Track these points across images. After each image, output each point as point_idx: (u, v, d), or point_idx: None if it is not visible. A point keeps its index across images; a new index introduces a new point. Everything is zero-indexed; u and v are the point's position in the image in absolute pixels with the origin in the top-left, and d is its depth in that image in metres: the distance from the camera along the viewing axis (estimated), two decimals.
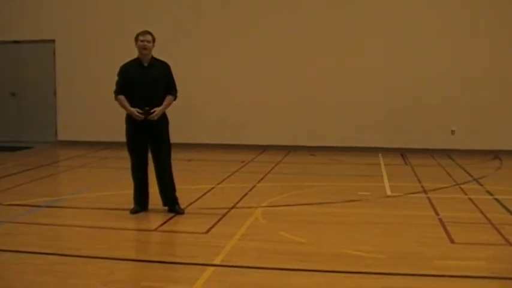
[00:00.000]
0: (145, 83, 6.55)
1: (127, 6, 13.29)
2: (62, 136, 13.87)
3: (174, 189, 6.80)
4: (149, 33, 6.64)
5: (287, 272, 4.75)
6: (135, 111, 6.49)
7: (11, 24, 13.80)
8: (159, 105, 6.59)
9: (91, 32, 13.42)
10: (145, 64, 6.63)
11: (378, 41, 12.26)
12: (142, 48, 6.58)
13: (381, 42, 12.25)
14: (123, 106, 6.63)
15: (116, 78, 6.72)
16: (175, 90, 6.75)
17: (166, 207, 6.81)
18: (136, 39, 6.62)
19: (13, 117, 14.16)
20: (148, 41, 6.57)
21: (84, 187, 8.45)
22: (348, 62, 12.39)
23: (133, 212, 6.74)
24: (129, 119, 6.69)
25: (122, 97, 6.63)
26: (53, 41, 13.69)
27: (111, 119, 13.31)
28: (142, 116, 6.47)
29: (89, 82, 13.46)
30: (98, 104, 13.45)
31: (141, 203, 6.82)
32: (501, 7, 11.83)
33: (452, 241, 5.62)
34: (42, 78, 13.94)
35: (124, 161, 11.36)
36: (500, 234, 5.85)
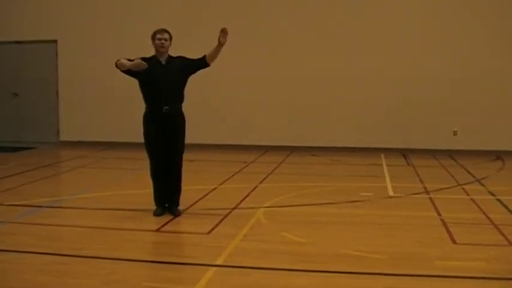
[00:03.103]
0: (164, 81, 6.46)
1: (128, 6, 13.31)
2: (63, 136, 13.89)
3: (179, 191, 6.76)
4: (166, 31, 6.56)
5: (289, 272, 4.74)
6: (137, 62, 6.18)
7: (13, 24, 13.84)
8: (177, 105, 6.58)
9: (93, 33, 13.44)
10: (164, 62, 6.55)
11: (380, 42, 12.25)
12: (160, 47, 6.50)
13: (383, 42, 12.24)
14: (123, 64, 6.20)
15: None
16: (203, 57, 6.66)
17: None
18: (153, 37, 6.54)
19: (15, 117, 14.18)
20: (165, 39, 6.50)
21: (85, 187, 8.45)
22: (350, 63, 12.38)
23: (158, 214, 6.63)
24: (148, 118, 6.61)
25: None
26: (55, 41, 13.72)
27: (113, 119, 13.40)
28: (145, 63, 6.18)
29: (91, 83, 13.48)
30: (100, 105, 13.50)
31: (163, 204, 6.74)
32: (503, 7, 11.80)
33: (454, 242, 5.61)
34: (44, 78, 13.95)
35: (125, 162, 11.49)
36: (502, 234, 5.83)
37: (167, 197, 6.73)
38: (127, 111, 12.64)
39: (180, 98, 6.66)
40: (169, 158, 6.63)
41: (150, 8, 13.07)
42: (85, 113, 13.66)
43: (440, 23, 12.07)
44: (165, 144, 6.58)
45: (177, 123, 6.60)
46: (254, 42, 12.68)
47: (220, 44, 6.48)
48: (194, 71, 6.71)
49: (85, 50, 13.51)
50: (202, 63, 6.67)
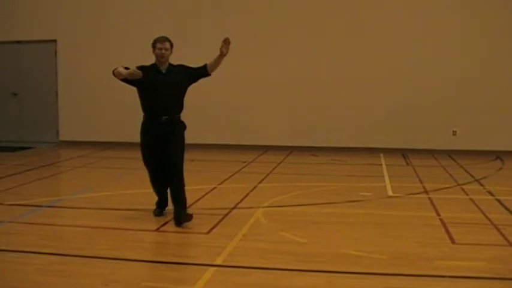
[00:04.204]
0: (164, 90, 6.27)
1: (128, 6, 13.30)
2: (63, 136, 13.89)
3: (185, 204, 6.36)
4: (167, 40, 6.37)
5: (288, 272, 4.75)
6: (132, 70, 6.02)
7: (13, 24, 13.84)
8: (176, 114, 6.43)
9: (93, 32, 13.45)
10: (164, 71, 6.39)
11: (380, 42, 12.25)
12: (160, 57, 6.33)
13: (382, 42, 12.24)
14: (119, 73, 6.03)
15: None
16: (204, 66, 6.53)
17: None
18: (153, 46, 6.35)
19: (14, 117, 14.18)
20: (166, 49, 6.32)
21: (85, 187, 8.46)
22: (349, 63, 12.39)
23: (158, 214, 6.66)
24: (145, 129, 6.48)
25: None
26: (55, 41, 13.72)
27: (112, 119, 13.41)
28: (140, 72, 6.01)
29: (91, 82, 13.48)
30: (99, 104, 13.51)
31: (164, 206, 6.73)
32: (503, 7, 11.81)
33: (453, 242, 5.62)
34: (43, 78, 13.95)
35: (125, 161, 11.49)
36: (502, 234, 5.85)
37: (173, 201, 6.42)
38: (127, 111, 12.61)
39: (180, 108, 6.50)
40: (168, 167, 6.37)
41: (150, 8, 13.07)
42: (84, 113, 13.67)
43: (440, 23, 12.06)
44: (163, 154, 6.37)
45: (175, 132, 6.41)
46: (254, 42, 12.67)
47: (222, 55, 6.38)
48: (195, 80, 6.57)
49: (84, 50, 13.52)
50: (203, 72, 6.54)
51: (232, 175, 9.50)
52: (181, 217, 6.20)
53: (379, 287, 4.43)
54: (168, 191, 6.62)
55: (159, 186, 6.68)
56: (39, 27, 13.70)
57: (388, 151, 12.14)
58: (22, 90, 14.15)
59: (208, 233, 5.93)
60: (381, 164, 10.76)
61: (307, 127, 12.71)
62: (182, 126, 6.54)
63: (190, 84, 6.57)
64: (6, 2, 13.84)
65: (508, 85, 11.86)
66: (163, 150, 6.38)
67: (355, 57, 12.35)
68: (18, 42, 14.01)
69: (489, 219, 6.45)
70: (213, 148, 12.74)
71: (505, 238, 5.72)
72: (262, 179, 9.09)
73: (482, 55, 11.87)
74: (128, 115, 12.51)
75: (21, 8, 13.75)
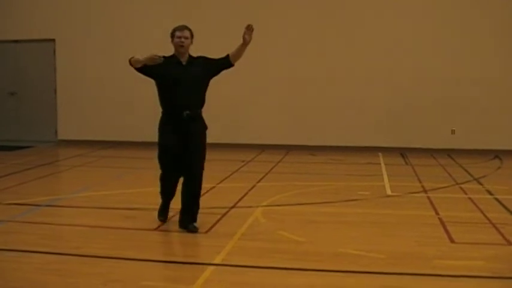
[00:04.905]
0: (185, 82, 5.81)
1: (128, 6, 13.29)
2: (62, 135, 13.87)
3: (198, 206, 6.05)
4: (187, 28, 5.93)
5: (287, 271, 4.75)
6: (152, 54, 5.59)
7: (11, 23, 13.82)
8: (198, 109, 5.96)
9: (91, 31, 13.42)
10: (184, 63, 5.93)
11: (378, 41, 12.26)
12: (179, 46, 5.87)
13: (381, 42, 12.24)
14: (137, 60, 5.66)
15: None
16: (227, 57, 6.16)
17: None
18: (172, 35, 5.91)
19: (13, 116, 14.16)
20: (186, 37, 5.87)
21: (84, 186, 8.45)
22: (348, 62, 12.39)
23: (162, 221, 6.30)
24: (164, 125, 5.96)
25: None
26: (53, 40, 13.70)
27: (111, 118, 13.37)
28: (161, 57, 5.61)
29: (89, 81, 13.46)
30: (98, 103, 13.47)
31: (165, 215, 6.35)
32: (503, 7, 11.81)
33: (452, 241, 5.62)
34: (42, 77, 13.94)
35: (123, 161, 11.49)
36: (500, 234, 5.85)
37: (184, 211, 6.09)
38: (125, 110, 12.61)
39: (201, 102, 6.03)
40: (186, 169, 5.96)
41: (149, 7, 13.05)
42: (83, 112, 13.64)
43: (439, 24, 12.06)
44: (183, 153, 5.89)
45: (197, 129, 5.94)
46: (253, 41, 12.62)
47: (245, 43, 5.99)
48: (217, 72, 6.14)
49: (83, 49, 13.50)
50: (226, 63, 6.16)
51: (231, 174, 9.50)
52: (187, 228, 5.93)
53: (377, 286, 4.43)
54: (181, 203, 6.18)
55: (168, 187, 6.21)
56: (37, 27, 13.68)
57: (386, 150, 12.14)
58: (20, 90, 14.13)
59: (207, 232, 5.93)
60: (380, 163, 10.76)
61: (305, 126, 12.71)
62: (203, 125, 6.07)
63: (212, 76, 6.13)
64: (4, 1, 13.82)
65: (508, 85, 11.87)
66: (183, 149, 5.90)
67: (355, 57, 12.35)
68: (16, 41, 13.99)
69: (488, 218, 6.46)
70: (212, 147, 12.65)
71: (504, 237, 5.72)
72: (261, 178, 9.09)
73: (482, 55, 11.87)
74: (126, 114, 12.52)
75: (19, 7, 13.74)
